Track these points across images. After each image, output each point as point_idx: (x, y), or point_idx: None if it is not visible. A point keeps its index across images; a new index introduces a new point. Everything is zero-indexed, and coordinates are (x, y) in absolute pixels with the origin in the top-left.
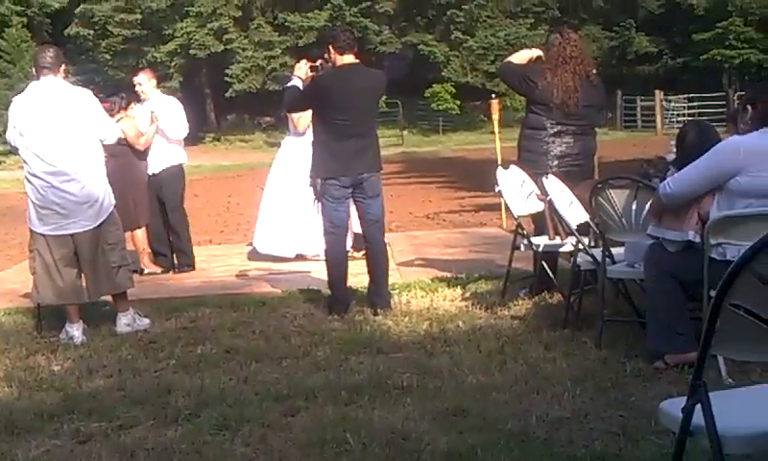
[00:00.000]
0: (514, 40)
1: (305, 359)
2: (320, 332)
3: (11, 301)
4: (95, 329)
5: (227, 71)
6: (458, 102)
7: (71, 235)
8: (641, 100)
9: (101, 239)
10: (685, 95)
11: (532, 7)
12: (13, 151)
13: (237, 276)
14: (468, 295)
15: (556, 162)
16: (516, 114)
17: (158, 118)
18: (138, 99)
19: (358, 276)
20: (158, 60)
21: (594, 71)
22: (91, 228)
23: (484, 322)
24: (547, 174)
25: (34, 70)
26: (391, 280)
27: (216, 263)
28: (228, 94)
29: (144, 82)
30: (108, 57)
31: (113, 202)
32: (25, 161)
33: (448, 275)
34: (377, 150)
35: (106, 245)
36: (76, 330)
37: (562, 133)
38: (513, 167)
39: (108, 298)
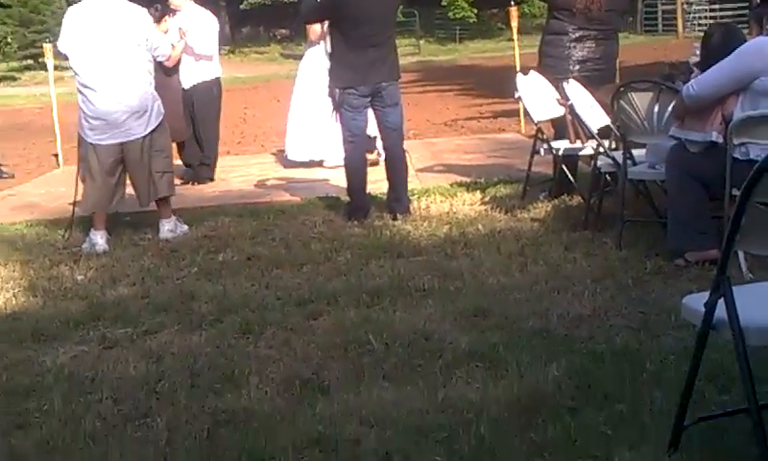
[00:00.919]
0: None
1: (326, 265)
2: (339, 238)
3: (31, 213)
4: (117, 239)
5: None
6: (475, 10)
7: (120, 144)
8: (662, 3)
9: (148, 146)
10: None
11: None
12: (63, 58)
13: (256, 185)
14: (487, 199)
15: (577, 67)
16: (534, 21)
17: (186, 33)
18: (172, 12)
19: (377, 182)
20: None
21: None
22: (140, 137)
23: (504, 225)
24: (568, 79)
25: None
26: (410, 187)
27: (234, 173)
28: (242, 6)
29: None
30: None
31: (162, 111)
32: (76, 73)
33: (467, 180)
34: (396, 59)
35: (153, 151)
36: (100, 238)
37: (584, 37)
38: (533, 73)
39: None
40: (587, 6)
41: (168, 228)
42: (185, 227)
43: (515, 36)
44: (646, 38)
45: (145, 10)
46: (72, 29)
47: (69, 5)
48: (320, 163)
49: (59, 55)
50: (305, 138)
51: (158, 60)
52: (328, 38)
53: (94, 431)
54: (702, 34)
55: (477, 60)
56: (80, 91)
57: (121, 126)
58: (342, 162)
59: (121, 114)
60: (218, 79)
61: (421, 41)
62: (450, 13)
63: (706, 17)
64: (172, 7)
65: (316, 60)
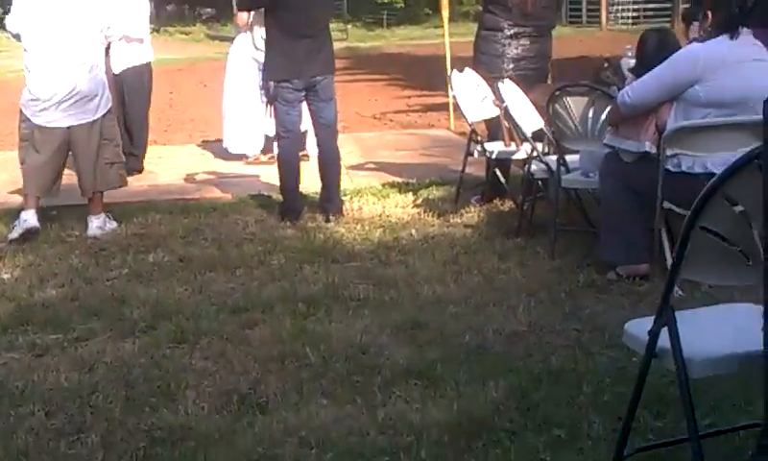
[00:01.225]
0: None
1: (260, 269)
2: (272, 240)
3: None
4: (43, 235)
5: None
6: None
7: (67, 128)
8: None
9: (97, 134)
10: None
11: None
12: (15, 38)
13: (185, 179)
14: (419, 201)
15: (512, 66)
16: (460, 8)
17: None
18: None
19: (309, 180)
20: None
21: None
22: (89, 121)
23: (437, 230)
24: (503, 78)
25: None
26: (342, 186)
27: (162, 166)
28: None
29: None
30: None
31: (110, 98)
32: (25, 50)
33: (399, 180)
34: (331, 52)
35: (102, 140)
36: (32, 217)
37: (519, 34)
38: (467, 70)
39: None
40: (522, 0)
41: (97, 224)
42: (114, 224)
43: (445, 27)
44: (571, 30)
45: None
46: (23, 7)
47: None
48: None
49: (9, 35)
50: (243, 130)
51: (110, 40)
52: (255, 29)
53: (27, 447)
54: (625, 26)
55: (405, 48)
56: (27, 69)
57: (69, 109)
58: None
59: (70, 96)
60: (149, 63)
61: (349, 26)
62: None
63: (629, 10)
64: None
65: (245, 49)
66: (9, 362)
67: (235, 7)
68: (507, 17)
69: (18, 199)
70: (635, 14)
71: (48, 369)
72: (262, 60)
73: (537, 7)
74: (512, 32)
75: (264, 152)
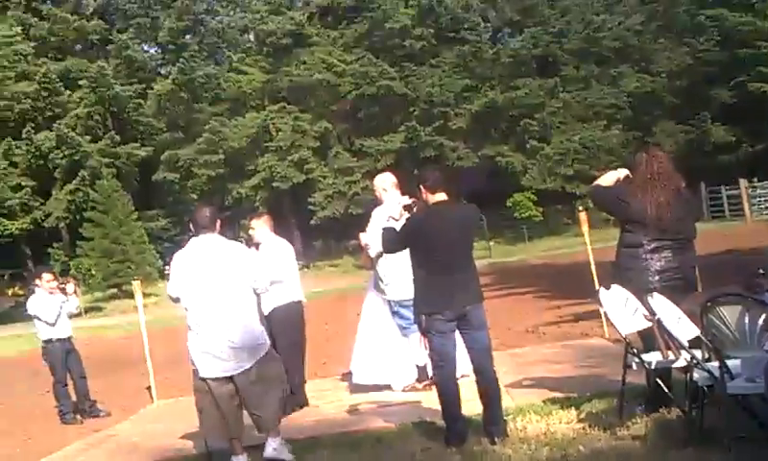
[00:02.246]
0: (589, 143)
1: None
2: None
3: (132, 456)
4: None
5: (309, 199)
6: (540, 208)
7: (231, 377)
8: (726, 188)
9: (260, 374)
10: None
11: (603, 109)
12: (174, 301)
13: (348, 411)
14: (583, 416)
15: (657, 278)
16: (600, 214)
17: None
18: (256, 245)
19: (468, 402)
20: (244, 195)
21: (684, 185)
22: (247, 367)
23: (605, 444)
24: (651, 291)
25: (192, 227)
26: (503, 405)
27: (325, 399)
28: (312, 222)
29: (257, 226)
30: (194, 196)
31: (268, 341)
32: (186, 309)
33: (560, 395)
34: (478, 281)
35: (266, 379)
36: None
37: (659, 248)
38: (614, 286)
39: None
40: (658, 216)
41: (273, 447)
42: (291, 456)
43: (587, 240)
44: (715, 226)
45: (242, 245)
46: (179, 273)
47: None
48: (387, 387)
49: (170, 299)
50: (372, 361)
51: (259, 292)
52: (378, 263)
53: None
54: None
55: (548, 259)
56: (190, 328)
57: (231, 360)
58: (409, 384)
59: (229, 350)
60: (299, 302)
61: (491, 243)
62: (516, 214)
63: None
64: (254, 241)
65: (373, 283)
66: None
67: (366, 248)
68: (645, 233)
69: (193, 445)
70: None
71: None
72: (387, 293)
73: (672, 221)
74: (652, 246)
75: (419, 380)
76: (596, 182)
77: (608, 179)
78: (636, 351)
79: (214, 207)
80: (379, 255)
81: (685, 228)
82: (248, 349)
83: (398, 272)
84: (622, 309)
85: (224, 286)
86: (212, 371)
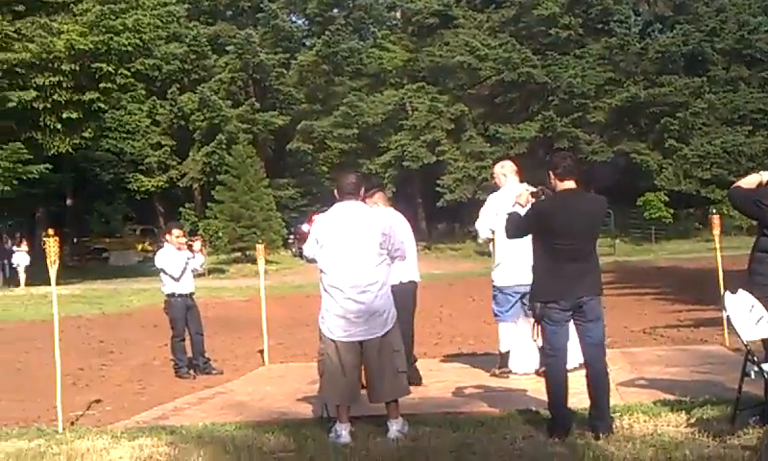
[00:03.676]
0: (731, 148)
1: None
2: (540, 457)
3: (240, 413)
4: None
5: (438, 181)
6: (671, 210)
7: (360, 342)
8: None
9: (387, 346)
10: None
11: (750, 113)
12: (311, 262)
13: (453, 393)
14: (693, 421)
15: None
16: (732, 222)
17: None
18: None
19: (576, 396)
20: (374, 172)
21: None
22: (379, 335)
23: (713, 451)
24: None
25: (336, 192)
26: (611, 402)
27: (433, 379)
28: (439, 204)
29: (379, 203)
30: (325, 169)
31: (396, 312)
32: (323, 271)
33: (671, 397)
34: (598, 273)
35: (392, 351)
36: (344, 430)
37: None
38: (741, 291)
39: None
40: None
41: (397, 428)
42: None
43: (717, 245)
44: None
45: (385, 214)
46: (320, 235)
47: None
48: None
49: (305, 260)
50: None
51: (396, 259)
52: (492, 246)
53: None
54: None
55: (674, 262)
56: (325, 290)
57: (363, 325)
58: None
59: (364, 313)
60: (414, 282)
61: (617, 240)
62: (646, 214)
63: None
64: None
65: None
66: None
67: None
68: None
69: (300, 409)
70: None
71: None
72: (493, 277)
73: None
74: None
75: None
76: (737, 183)
77: (750, 180)
78: (756, 359)
79: (359, 174)
80: (488, 241)
81: None
82: (381, 316)
83: (510, 259)
84: (747, 315)
85: (364, 252)
86: (344, 334)
